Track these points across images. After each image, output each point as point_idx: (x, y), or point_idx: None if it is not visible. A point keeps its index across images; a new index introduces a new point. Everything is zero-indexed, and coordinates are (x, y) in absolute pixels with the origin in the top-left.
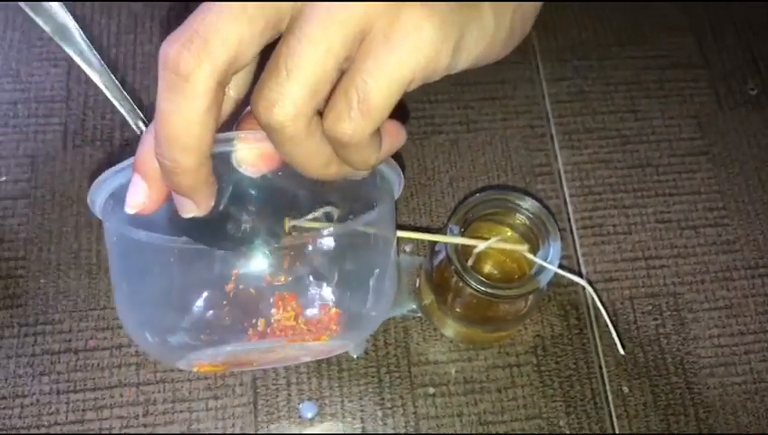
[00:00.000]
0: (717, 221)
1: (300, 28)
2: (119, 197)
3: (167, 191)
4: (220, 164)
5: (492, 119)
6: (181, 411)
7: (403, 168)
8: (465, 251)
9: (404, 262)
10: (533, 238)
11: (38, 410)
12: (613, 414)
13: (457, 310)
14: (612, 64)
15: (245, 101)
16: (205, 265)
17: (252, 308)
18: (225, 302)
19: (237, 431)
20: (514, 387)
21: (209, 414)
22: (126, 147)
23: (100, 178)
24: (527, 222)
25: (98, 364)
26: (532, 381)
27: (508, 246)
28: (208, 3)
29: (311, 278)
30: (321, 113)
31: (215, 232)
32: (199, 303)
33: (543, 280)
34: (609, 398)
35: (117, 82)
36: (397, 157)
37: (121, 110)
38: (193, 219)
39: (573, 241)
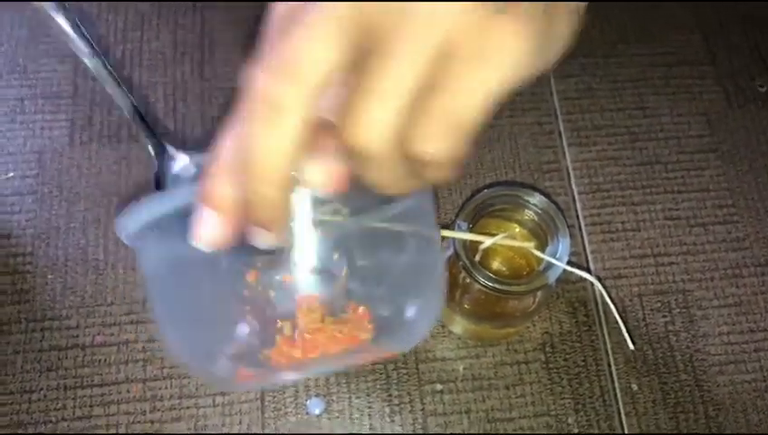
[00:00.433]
0: (726, 218)
1: (388, 49)
2: (160, 225)
3: (240, 223)
4: None
5: (499, 115)
6: (188, 408)
7: None
8: (472, 247)
9: None
10: (542, 235)
11: (45, 406)
12: (622, 412)
13: (465, 306)
14: (619, 62)
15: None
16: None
17: (275, 312)
18: (247, 308)
19: (244, 428)
20: (523, 384)
21: (216, 410)
22: (135, 143)
23: (137, 208)
24: (536, 218)
25: (105, 360)
26: (541, 378)
27: (516, 244)
28: (288, 24)
29: (328, 275)
30: None
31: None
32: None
33: (552, 276)
34: (618, 395)
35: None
36: None
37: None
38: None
39: (582, 238)
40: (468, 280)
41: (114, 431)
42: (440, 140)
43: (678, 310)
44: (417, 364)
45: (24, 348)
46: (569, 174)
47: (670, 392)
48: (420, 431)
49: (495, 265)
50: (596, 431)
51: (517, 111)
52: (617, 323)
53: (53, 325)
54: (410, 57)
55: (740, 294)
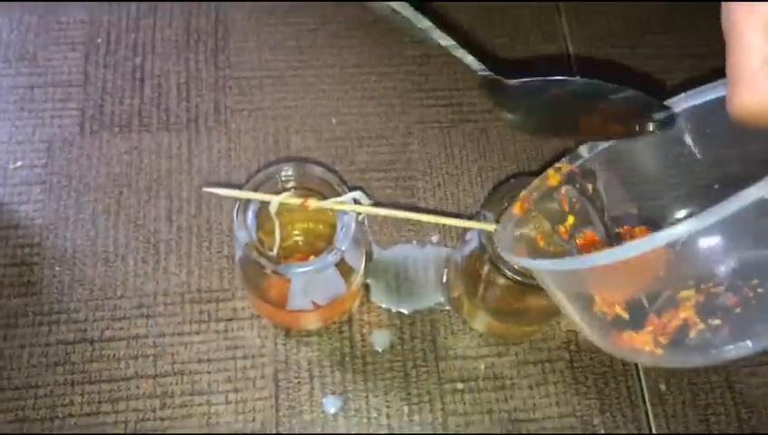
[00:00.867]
0: None
1: None
2: None
3: None
4: None
5: None
6: (200, 405)
7: (431, 156)
8: None
9: (430, 253)
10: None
11: (52, 402)
12: (650, 413)
13: (488, 302)
14: (645, 53)
15: None
16: None
17: None
18: None
19: (258, 426)
20: (546, 384)
21: (228, 408)
22: (147, 132)
23: None
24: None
25: (114, 355)
26: (565, 377)
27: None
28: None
29: None
30: None
31: None
32: None
33: None
34: (646, 396)
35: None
36: (425, 144)
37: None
38: None
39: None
40: (492, 274)
41: (123, 429)
42: None
43: None
44: (437, 362)
45: (30, 342)
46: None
47: (700, 393)
48: (440, 431)
49: None
50: (623, 433)
51: None
52: None
53: (61, 319)
54: None
55: None
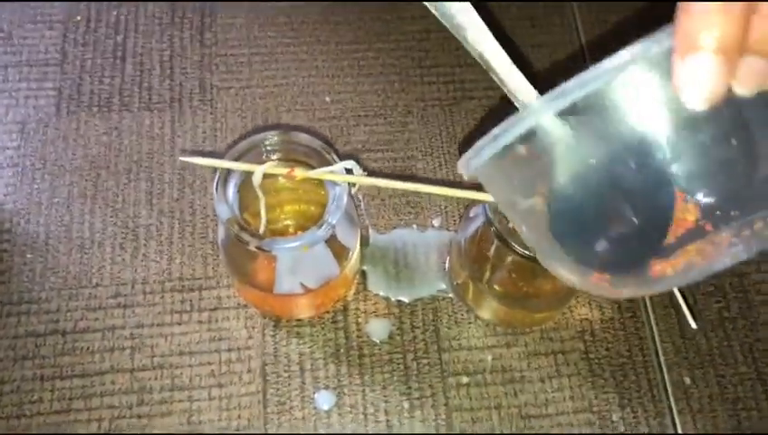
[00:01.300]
0: None
1: None
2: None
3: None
4: None
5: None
6: (180, 401)
7: (431, 136)
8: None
9: (432, 237)
10: None
11: (19, 399)
12: (674, 408)
13: (495, 287)
14: None
15: None
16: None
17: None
18: None
19: (244, 424)
20: (560, 377)
21: (212, 404)
22: (128, 112)
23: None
24: None
25: (87, 348)
26: (580, 369)
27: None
28: None
29: None
30: None
31: None
32: None
33: None
34: (669, 390)
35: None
36: (425, 123)
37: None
38: None
39: None
40: (500, 252)
41: (96, 427)
42: None
43: (734, 294)
44: (439, 354)
45: None
46: None
47: (728, 386)
48: (444, 429)
49: None
50: (645, 430)
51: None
52: (664, 308)
53: (31, 309)
54: None
55: None
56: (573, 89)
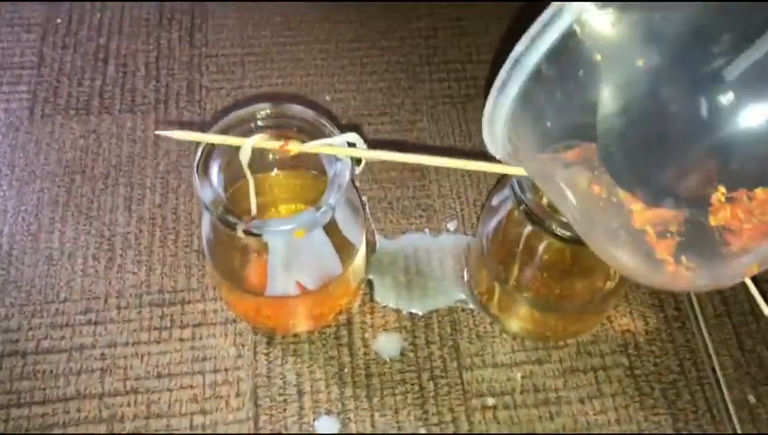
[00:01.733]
0: None
1: None
2: None
3: None
4: None
5: None
6: (157, 430)
7: (443, 134)
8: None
9: (447, 242)
10: None
11: None
12: (738, 430)
13: (526, 286)
14: None
15: None
16: None
17: None
18: None
19: None
20: (602, 396)
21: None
22: (108, 115)
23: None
24: None
25: (50, 371)
26: (625, 388)
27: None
28: None
29: None
30: None
31: None
32: None
33: None
34: (731, 410)
35: None
36: (435, 121)
37: None
38: None
39: None
40: (530, 245)
41: None
42: None
43: None
44: (460, 372)
45: None
46: None
47: None
48: None
49: None
50: None
51: None
52: (717, 316)
53: None
54: None
55: None
56: None
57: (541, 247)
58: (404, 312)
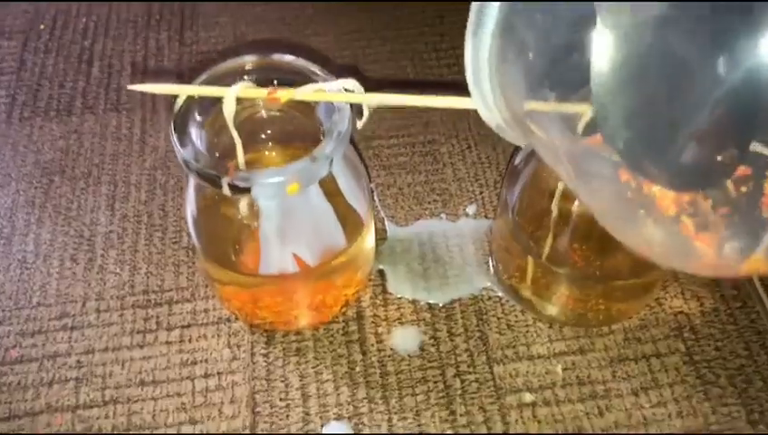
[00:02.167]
0: None
1: None
2: None
3: None
4: None
5: None
6: None
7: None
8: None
9: (466, 226)
10: None
11: None
12: None
13: (561, 261)
14: None
15: None
16: None
17: None
18: None
19: None
20: (659, 387)
21: None
22: (91, 114)
23: None
24: None
25: (19, 382)
26: (684, 377)
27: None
28: None
29: None
30: None
31: None
32: None
33: None
34: None
35: None
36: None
37: None
38: None
39: None
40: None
41: None
42: None
43: None
44: (490, 367)
45: None
46: None
47: None
48: None
49: None
50: None
51: None
52: None
53: None
54: None
55: None
56: None
57: (574, 210)
58: (421, 303)
